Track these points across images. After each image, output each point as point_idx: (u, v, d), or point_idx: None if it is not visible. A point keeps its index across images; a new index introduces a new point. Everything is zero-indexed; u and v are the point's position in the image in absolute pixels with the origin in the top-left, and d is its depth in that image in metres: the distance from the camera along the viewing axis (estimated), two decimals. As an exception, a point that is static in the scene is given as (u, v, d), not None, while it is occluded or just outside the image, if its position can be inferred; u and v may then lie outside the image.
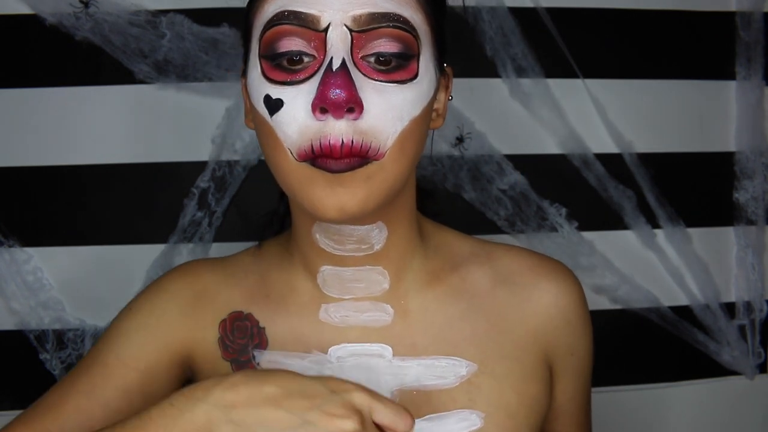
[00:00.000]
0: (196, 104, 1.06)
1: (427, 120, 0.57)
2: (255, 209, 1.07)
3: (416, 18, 0.54)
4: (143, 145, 1.06)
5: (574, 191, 1.12)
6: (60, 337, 1.05)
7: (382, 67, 0.53)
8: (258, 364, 0.62)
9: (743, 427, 1.18)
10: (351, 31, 0.52)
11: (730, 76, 1.15)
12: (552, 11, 1.10)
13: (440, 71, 0.59)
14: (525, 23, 1.09)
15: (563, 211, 1.11)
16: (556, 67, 1.10)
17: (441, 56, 0.59)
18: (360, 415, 0.47)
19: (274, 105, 0.53)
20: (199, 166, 1.06)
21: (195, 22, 1.04)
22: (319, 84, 0.50)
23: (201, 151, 1.06)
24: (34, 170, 1.05)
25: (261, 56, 0.54)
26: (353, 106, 0.50)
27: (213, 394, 0.48)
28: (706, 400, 1.17)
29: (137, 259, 1.06)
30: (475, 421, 0.59)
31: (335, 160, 0.51)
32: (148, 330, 0.64)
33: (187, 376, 0.66)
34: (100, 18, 1.02)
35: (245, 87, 0.60)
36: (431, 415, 0.59)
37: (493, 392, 0.60)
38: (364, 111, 0.51)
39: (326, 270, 0.62)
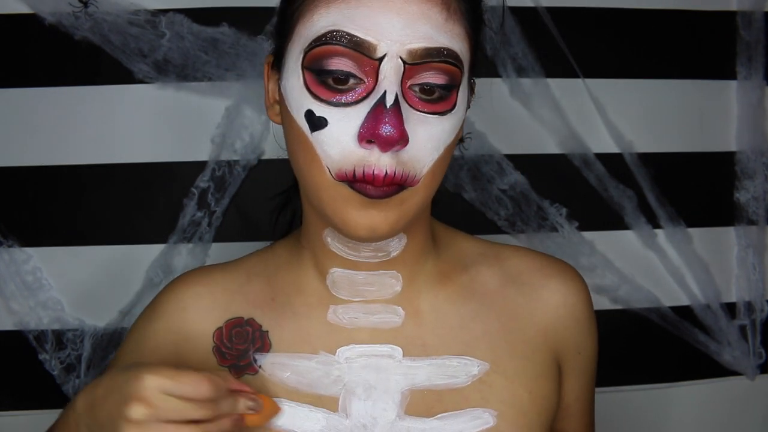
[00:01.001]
0: (196, 104, 1.06)
1: (455, 143, 0.58)
2: (255, 209, 1.08)
3: (463, 49, 0.55)
4: (143, 145, 1.06)
5: (575, 191, 1.12)
6: (59, 338, 1.05)
7: (426, 97, 0.53)
8: (260, 367, 0.62)
9: (744, 428, 1.18)
10: (405, 63, 0.52)
11: (731, 75, 1.15)
12: (552, 11, 1.10)
13: (470, 90, 0.60)
14: (525, 23, 1.09)
15: (563, 211, 1.11)
16: (556, 67, 1.10)
17: (472, 75, 0.60)
18: (146, 400, 0.49)
19: (317, 122, 0.53)
20: (198, 166, 1.06)
21: (195, 21, 1.03)
22: (371, 116, 0.51)
23: (201, 151, 1.06)
24: (33, 170, 1.05)
25: (305, 68, 0.53)
26: (401, 141, 0.51)
27: (76, 401, 0.54)
28: (706, 400, 1.17)
29: (137, 259, 1.06)
30: (488, 420, 0.59)
31: (375, 187, 0.52)
32: (141, 359, 0.65)
33: None
34: (99, 17, 1.02)
35: (272, 78, 0.60)
36: (443, 414, 0.59)
37: (505, 391, 0.61)
38: (408, 143, 0.52)
39: (336, 272, 0.62)
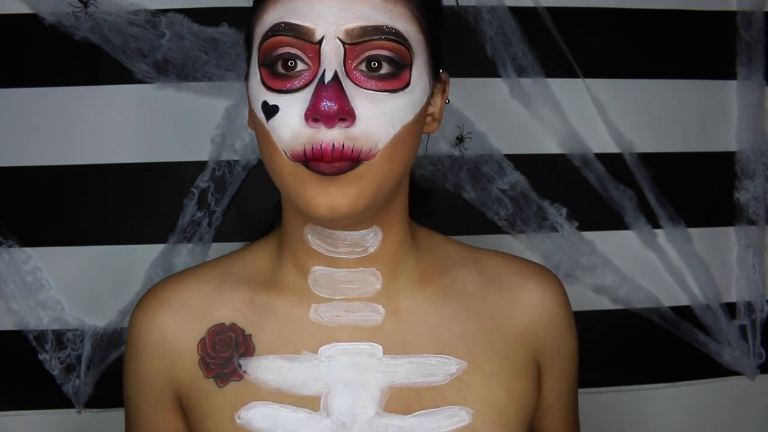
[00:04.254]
0: (196, 104, 1.06)
1: (419, 125, 0.58)
2: (255, 209, 1.08)
3: (409, 29, 0.56)
4: (143, 145, 1.06)
5: (575, 191, 1.12)
6: (59, 338, 1.05)
7: (373, 73, 0.54)
8: (245, 371, 0.62)
9: (744, 428, 1.18)
10: (344, 43, 0.53)
11: (731, 75, 1.15)
12: (552, 11, 1.09)
13: (435, 78, 0.60)
14: (525, 23, 1.09)
15: (563, 211, 1.11)
16: (556, 67, 1.10)
17: (436, 63, 0.60)
18: None
19: (270, 110, 0.55)
20: (198, 166, 1.06)
21: (195, 21, 1.04)
22: (312, 95, 0.52)
23: (201, 151, 1.06)
24: (33, 170, 1.05)
25: (260, 65, 0.56)
26: (345, 116, 0.52)
27: None
28: (706, 400, 1.17)
29: (137, 259, 1.06)
30: (464, 418, 0.60)
31: (327, 163, 0.53)
32: (142, 394, 0.66)
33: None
34: (99, 17, 1.02)
35: (248, 90, 0.61)
36: (421, 412, 0.60)
37: (482, 389, 0.61)
38: (356, 119, 0.53)
39: (317, 270, 0.62)
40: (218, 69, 1.05)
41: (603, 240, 1.13)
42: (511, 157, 1.10)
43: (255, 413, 0.60)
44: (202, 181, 1.06)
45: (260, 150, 0.58)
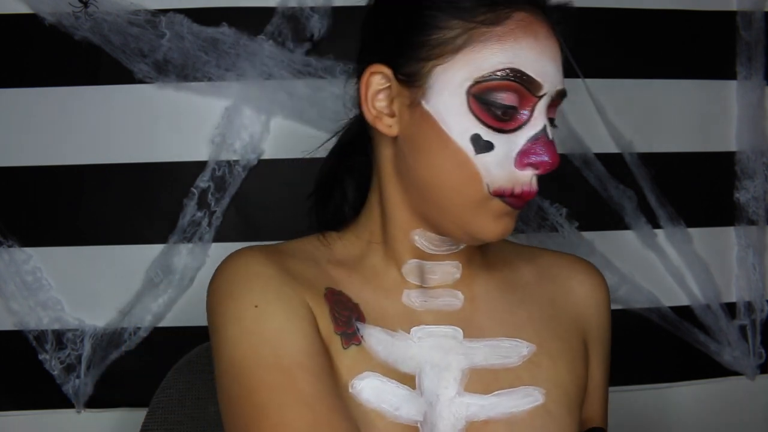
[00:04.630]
0: (196, 104, 1.06)
1: None
2: (255, 209, 1.08)
3: None
4: (143, 145, 1.06)
5: (575, 191, 1.12)
6: (59, 338, 1.05)
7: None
8: (362, 336, 0.62)
9: (744, 428, 1.18)
10: (552, 99, 0.60)
11: (731, 75, 1.15)
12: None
13: None
14: (525, 23, 1.09)
15: (563, 211, 1.11)
16: (556, 67, 1.10)
17: None
18: None
19: (484, 146, 0.58)
20: (198, 166, 1.06)
21: (194, 21, 1.04)
22: (535, 145, 0.59)
23: (200, 151, 1.06)
24: (33, 170, 1.05)
25: (472, 95, 0.58)
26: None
27: None
28: (707, 400, 1.17)
29: (137, 259, 1.06)
30: (538, 398, 0.63)
31: (523, 200, 0.60)
32: (294, 314, 0.60)
33: None
34: (99, 17, 1.02)
35: (371, 75, 0.61)
36: (499, 391, 0.63)
37: (551, 371, 0.65)
38: None
39: (412, 263, 0.66)
40: (218, 69, 1.05)
41: (603, 240, 1.13)
42: (511, 157, 1.10)
43: (366, 384, 0.60)
44: (202, 181, 1.06)
45: (440, 171, 0.59)
